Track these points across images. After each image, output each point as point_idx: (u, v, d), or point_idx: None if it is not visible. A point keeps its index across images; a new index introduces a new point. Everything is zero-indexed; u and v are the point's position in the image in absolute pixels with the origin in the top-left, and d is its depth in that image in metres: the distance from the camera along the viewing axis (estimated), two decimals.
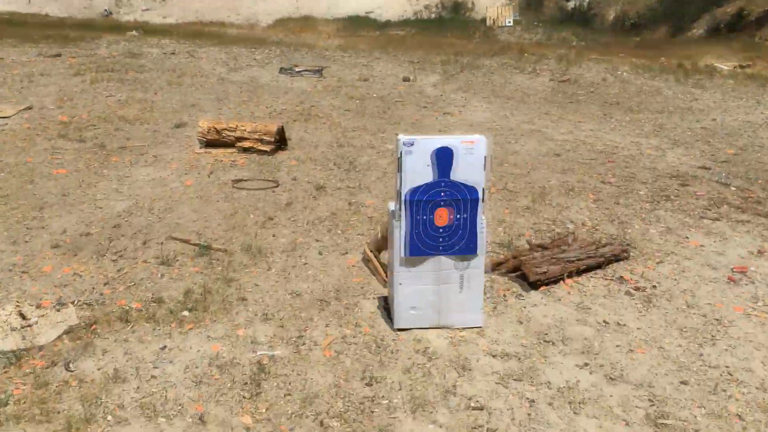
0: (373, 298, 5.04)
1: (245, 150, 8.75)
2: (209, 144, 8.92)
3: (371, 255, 5.48)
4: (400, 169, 4.25)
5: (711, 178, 8.30)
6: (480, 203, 4.36)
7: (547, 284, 5.16)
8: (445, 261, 4.46)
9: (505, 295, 5.03)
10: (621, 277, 5.42)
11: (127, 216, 6.59)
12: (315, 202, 7.04)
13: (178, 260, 5.65)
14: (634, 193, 7.57)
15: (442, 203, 4.33)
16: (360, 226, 6.41)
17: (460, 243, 4.41)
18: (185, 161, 8.27)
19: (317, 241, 6.07)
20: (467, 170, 4.28)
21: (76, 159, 8.23)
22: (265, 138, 8.79)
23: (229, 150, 8.82)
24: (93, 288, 5.23)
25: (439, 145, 4.23)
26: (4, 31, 17.83)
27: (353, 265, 5.60)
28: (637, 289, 5.25)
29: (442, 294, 4.50)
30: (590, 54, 17.57)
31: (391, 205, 4.45)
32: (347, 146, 9.12)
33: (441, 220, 4.37)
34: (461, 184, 4.30)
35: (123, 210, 6.72)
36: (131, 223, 6.40)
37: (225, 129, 8.87)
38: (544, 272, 5.13)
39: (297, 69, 14.17)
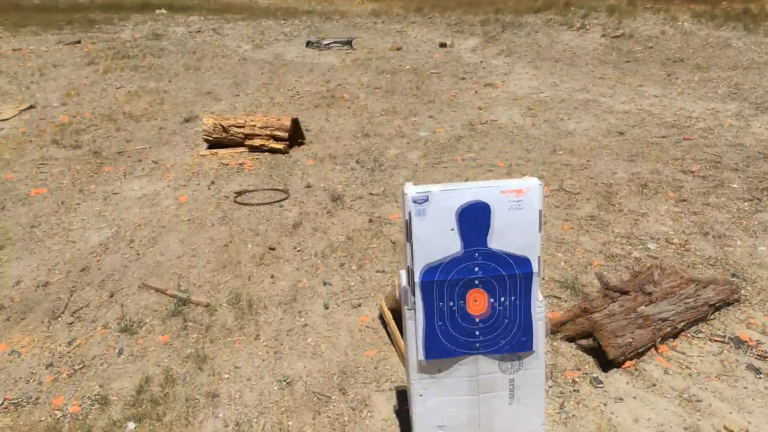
0: (390, 389, 3.43)
1: (256, 149, 7.16)
2: (216, 143, 7.36)
3: (388, 317, 3.87)
4: (409, 237, 2.60)
5: None
6: (535, 279, 2.69)
7: (632, 357, 3.47)
8: (485, 362, 2.81)
9: (575, 382, 3.35)
10: (737, 337, 3.67)
11: (102, 252, 5.09)
12: (329, 221, 5.42)
13: (145, 324, 4.13)
14: (725, 186, 5.72)
15: (476, 283, 2.68)
16: (380, 258, 4.78)
17: (506, 337, 2.76)
18: (186, 167, 6.72)
19: (325, 284, 4.46)
20: (513, 233, 2.60)
21: (63, 172, 6.77)
22: (277, 134, 7.17)
23: (238, 150, 7.24)
24: (31, 374, 3.76)
25: (467, 200, 2.56)
26: (32, 18, 16.48)
27: (366, 326, 3.99)
28: (764, 357, 3.51)
29: (484, 407, 2.87)
30: (645, 3, 15.26)
31: (402, 279, 2.81)
32: (373, 136, 7.43)
33: (476, 307, 2.72)
34: (504, 254, 2.63)
35: (99, 243, 5.23)
36: (102, 265, 4.90)
37: (233, 126, 7.28)
38: (629, 343, 3.43)
39: (325, 42, 12.40)
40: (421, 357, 2.73)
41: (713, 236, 4.79)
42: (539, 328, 2.73)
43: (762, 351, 3.53)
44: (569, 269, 4.42)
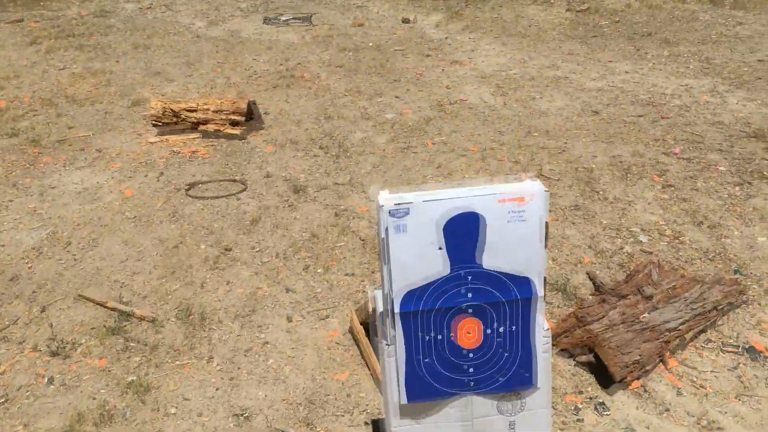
0: (365, 424, 2.90)
1: (210, 135, 6.51)
2: (166, 129, 6.68)
3: (360, 333, 3.33)
4: (386, 258, 2.05)
5: None
6: (539, 302, 2.17)
7: (639, 376, 3.00)
8: (480, 403, 2.29)
9: (577, 409, 2.86)
10: (752, 346, 3.22)
11: (34, 257, 4.43)
12: (290, 216, 4.83)
13: (80, 345, 3.52)
14: (711, 169, 5.28)
15: (467, 310, 2.14)
16: (349, 258, 4.22)
17: (504, 372, 2.24)
18: (132, 157, 6.04)
19: (288, 291, 3.89)
20: (511, 249, 2.07)
21: None
22: (233, 118, 6.52)
23: (192, 136, 6.58)
24: None
25: (455, 210, 2.01)
26: None
27: (336, 343, 3.44)
28: None
29: None
30: None
31: (378, 303, 2.25)
32: (337, 118, 6.83)
33: (467, 339, 2.19)
34: (500, 274, 2.10)
35: (32, 247, 4.56)
36: (34, 273, 4.25)
37: (184, 110, 6.60)
38: (636, 361, 2.95)
39: (283, 18, 11.67)
40: (403, 400, 2.20)
41: (707, 226, 4.34)
42: (544, 360, 2.22)
43: None
44: (558, 268, 3.92)
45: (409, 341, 2.13)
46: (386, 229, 1.97)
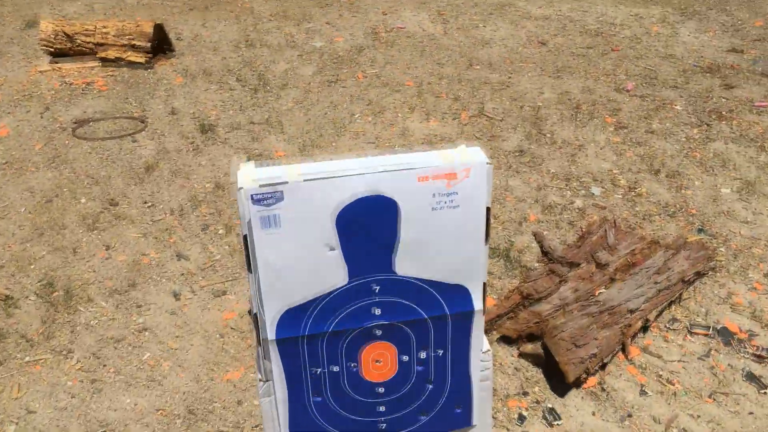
0: None
1: (110, 61, 5.51)
2: (61, 55, 5.64)
3: None
4: (251, 264, 1.31)
5: (753, 68, 5.37)
6: (476, 317, 1.47)
7: (596, 371, 2.38)
8: None
9: (522, 418, 2.24)
10: (724, 327, 2.64)
11: None
12: (194, 161, 4.01)
13: None
14: (667, 108, 4.64)
15: (374, 332, 1.43)
16: None
17: (428, 410, 1.56)
18: (17, 88, 5.04)
19: (179, 258, 3.13)
20: (440, 249, 1.35)
21: None
22: (137, 43, 5.52)
23: (88, 64, 5.56)
24: None
25: (354, 194, 1.27)
26: None
27: (231, 328, 2.72)
28: (762, 358, 2.50)
29: None
30: None
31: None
32: (259, 46, 5.90)
33: (376, 370, 1.48)
34: (422, 284, 1.39)
35: None
36: None
37: (79, 33, 5.55)
38: (593, 355, 2.32)
39: None
40: None
41: (665, 175, 3.72)
42: (482, 390, 1.55)
43: (757, 347, 2.51)
44: (500, 228, 3.25)
45: (292, 377, 1.42)
46: (249, 223, 1.23)
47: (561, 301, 2.51)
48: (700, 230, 3.17)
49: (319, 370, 1.42)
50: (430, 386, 1.49)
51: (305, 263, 1.29)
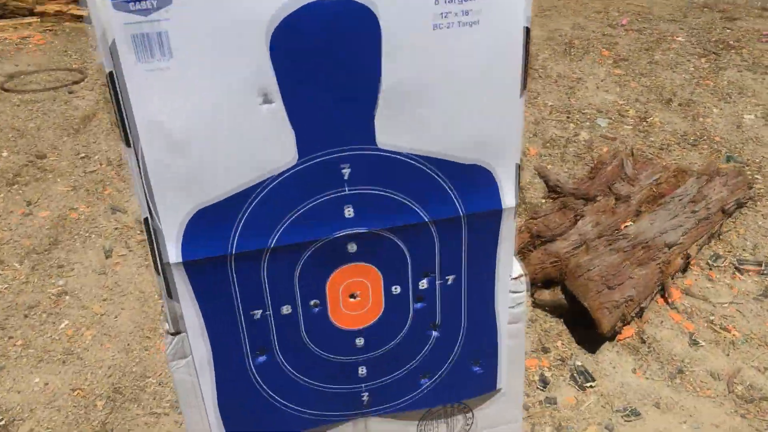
0: None
1: (51, 17, 4.83)
2: None
3: None
4: (125, 125, 0.73)
5: (751, 3, 4.85)
6: (506, 221, 0.90)
7: (632, 319, 1.84)
8: (384, 429, 1.06)
9: (545, 381, 1.68)
10: None
11: None
12: None
13: None
14: (668, 39, 4.10)
15: (349, 250, 0.86)
16: None
17: (433, 371, 0.99)
18: None
19: (114, 212, 2.52)
20: (449, 99, 0.79)
21: None
22: None
23: (26, 20, 4.87)
24: None
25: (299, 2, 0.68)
26: None
27: None
28: None
29: None
30: None
31: (172, 253, 0.91)
32: None
33: (350, 309, 0.91)
34: (420, 161, 0.82)
35: None
36: None
37: None
38: (630, 298, 1.77)
39: None
40: None
41: (679, 104, 3.18)
42: (513, 338, 0.99)
43: None
44: None
45: (217, 324, 0.84)
46: (113, 48, 0.65)
47: (580, 237, 1.96)
48: (729, 158, 2.65)
49: (261, 312, 0.85)
50: (436, 333, 0.93)
51: (222, 128, 0.72)
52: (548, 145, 2.80)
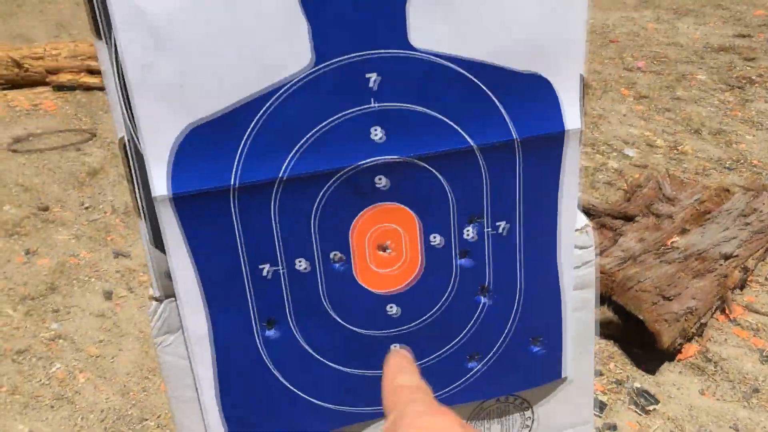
0: None
1: (63, 87, 4.85)
2: (8, 85, 4.99)
3: None
4: (98, 21, 0.58)
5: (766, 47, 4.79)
6: (572, 149, 0.72)
7: (692, 336, 1.62)
8: None
9: (600, 406, 1.45)
10: None
11: None
12: None
13: None
14: (688, 78, 4.01)
15: (378, 185, 0.68)
16: None
17: (482, 349, 0.79)
18: None
19: (117, 256, 2.37)
20: None
21: None
22: (93, 64, 4.89)
23: (38, 90, 4.90)
24: None
25: None
26: None
27: None
28: None
29: None
30: None
31: (143, 229, 0.75)
32: None
33: (383, 267, 0.73)
34: (466, 70, 0.65)
35: None
36: None
37: (28, 57, 4.92)
38: (691, 309, 1.56)
39: None
40: None
41: (709, 133, 3.04)
42: (582, 311, 0.79)
43: None
44: None
45: (216, 283, 0.65)
46: None
47: (624, 252, 1.77)
48: None
49: (270, 268, 0.66)
50: (486, 300, 0.73)
51: (218, 17, 0.56)
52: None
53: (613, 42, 5.22)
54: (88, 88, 4.78)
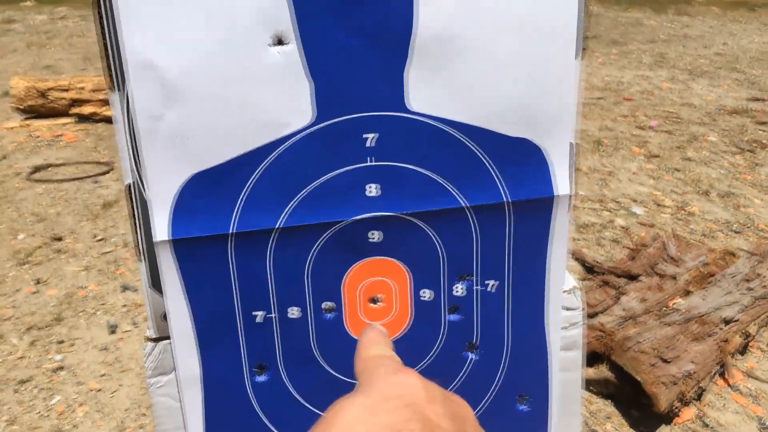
0: None
1: (85, 119, 4.97)
2: (33, 113, 5.12)
3: None
4: (115, 72, 0.62)
5: None
6: (561, 213, 0.75)
7: (690, 401, 1.61)
8: None
9: None
10: None
11: None
12: None
13: None
14: (700, 139, 4.05)
15: (371, 240, 0.71)
16: None
17: (468, 404, 0.80)
18: None
19: (124, 290, 2.40)
20: (491, 57, 0.67)
21: None
22: None
23: (61, 120, 5.02)
24: None
25: None
26: None
27: None
28: None
29: None
30: None
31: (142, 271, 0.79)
32: None
33: (374, 318, 0.75)
34: (460, 133, 0.68)
35: None
36: None
37: (53, 89, 5.05)
38: (689, 373, 1.56)
39: None
40: None
41: (717, 195, 3.06)
42: (568, 372, 0.80)
43: None
44: None
45: (210, 327, 0.68)
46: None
47: (626, 312, 1.77)
48: None
49: (264, 314, 0.69)
50: (473, 356, 0.75)
51: (224, 73, 0.60)
52: (582, 230, 2.67)
53: (627, 100, 5.28)
54: (110, 121, 4.88)
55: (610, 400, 1.61)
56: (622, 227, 2.68)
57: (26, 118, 5.04)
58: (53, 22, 11.29)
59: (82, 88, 4.97)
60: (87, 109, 4.97)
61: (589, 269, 2.28)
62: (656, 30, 9.40)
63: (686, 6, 11.24)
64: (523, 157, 0.68)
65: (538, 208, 0.70)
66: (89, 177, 3.68)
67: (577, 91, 0.70)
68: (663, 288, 1.95)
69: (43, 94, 4.98)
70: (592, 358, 1.71)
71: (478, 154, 0.68)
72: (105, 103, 4.95)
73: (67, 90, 4.98)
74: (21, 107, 4.98)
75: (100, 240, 2.82)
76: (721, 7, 11.09)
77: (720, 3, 11.56)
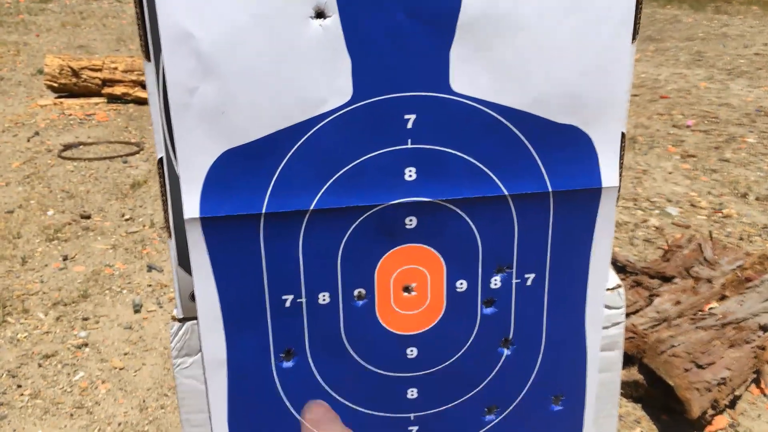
0: None
1: (116, 99, 5.00)
2: (66, 92, 5.17)
3: None
4: (147, 43, 0.60)
5: None
6: (605, 205, 0.71)
7: (724, 408, 1.55)
8: None
9: None
10: None
11: None
12: None
13: None
14: (738, 140, 3.94)
15: (406, 226, 0.68)
16: None
17: (501, 402, 0.77)
18: (12, 118, 4.51)
19: (150, 270, 2.40)
20: (541, 40, 0.63)
21: None
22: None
23: (93, 100, 5.06)
24: None
25: None
26: None
27: None
28: None
29: None
30: None
31: (172, 247, 0.77)
32: None
33: (406, 308, 0.72)
34: (505, 117, 0.64)
35: None
36: None
37: (86, 68, 5.09)
38: (724, 380, 1.50)
39: None
40: None
41: (755, 198, 2.97)
42: (607, 373, 0.76)
43: None
44: None
45: (238, 309, 0.66)
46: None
47: (659, 314, 1.72)
48: None
49: (292, 298, 0.66)
50: (507, 352, 0.71)
51: (261, 47, 0.57)
52: (615, 229, 2.61)
53: (663, 98, 5.17)
54: (140, 102, 4.91)
55: (639, 404, 1.56)
56: (656, 227, 2.61)
57: (59, 96, 5.09)
58: (88, 2, 11.41)
59: (115, 69, 5.01)
60: (119, 90, 5.01)
61: (621, 269, 2.22)
62: (694, 28, 9.19)
63: (725, 5, 10.98)
64: (569, 146, 0.64)
65: (583, 200, 0.66)
66: (119, 156, 3.70)
67: (630, 78, 0.66)
68: (698, 291, 1.89)
69: (76, 72, 5.02)
70: (623, 359, 1.66)
71: (523, 140, 0.64)
72: (136, 84, 4.98)
73: (99, 70, 5.01)
74: (54, 85, 5.02)
75: (128, 219, 2.83)
76: (762, 7, 10.81)
77: (761, 2, 11.27)
